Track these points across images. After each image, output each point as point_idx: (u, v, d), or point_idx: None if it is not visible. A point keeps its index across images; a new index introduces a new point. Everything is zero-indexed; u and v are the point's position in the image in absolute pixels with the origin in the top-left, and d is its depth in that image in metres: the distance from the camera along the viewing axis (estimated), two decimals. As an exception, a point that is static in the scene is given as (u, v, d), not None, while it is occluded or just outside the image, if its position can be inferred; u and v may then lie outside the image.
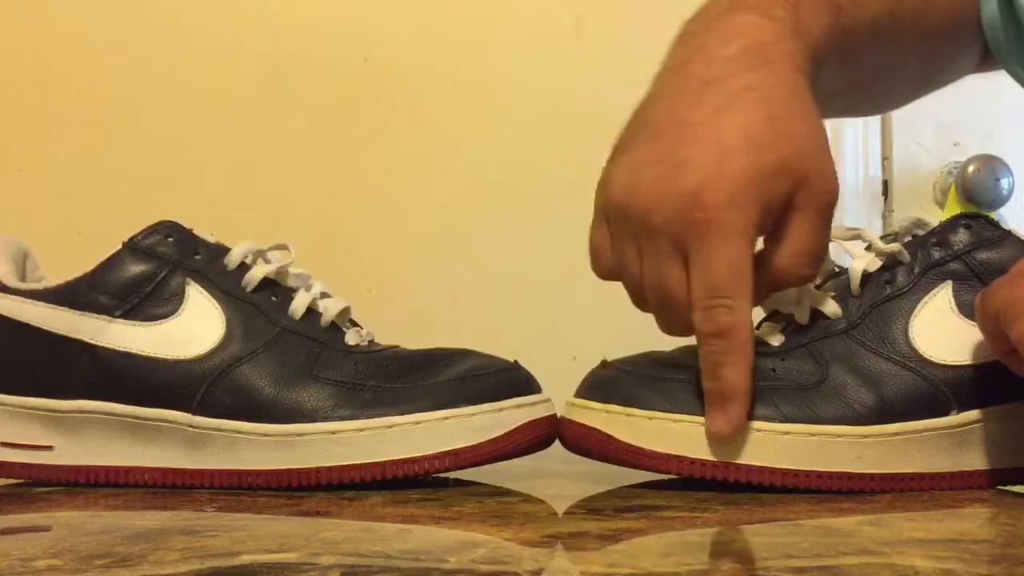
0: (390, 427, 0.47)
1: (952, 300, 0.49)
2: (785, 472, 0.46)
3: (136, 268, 0.51)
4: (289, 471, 0.48)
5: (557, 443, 0.50)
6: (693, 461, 0.46)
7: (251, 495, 0.47)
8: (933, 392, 0.47)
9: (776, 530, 0.38)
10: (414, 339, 0.54)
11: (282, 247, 0.54)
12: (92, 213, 0.97)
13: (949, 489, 0.47)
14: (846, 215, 1.07)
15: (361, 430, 0.47)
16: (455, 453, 0.47)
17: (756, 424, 0.46)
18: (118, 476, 0.50)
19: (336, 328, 0.52)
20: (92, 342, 0.50)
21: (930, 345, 0.48)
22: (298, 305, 0.51)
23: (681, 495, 0.46)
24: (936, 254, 0.50)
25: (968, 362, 0.47)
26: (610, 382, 0.49)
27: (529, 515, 0.41)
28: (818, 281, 0.53)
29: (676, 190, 0.44)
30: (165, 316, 0.50)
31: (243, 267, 0.52)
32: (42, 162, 1.01)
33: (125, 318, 0.50)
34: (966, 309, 0.48)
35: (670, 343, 0.52)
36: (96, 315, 0.50)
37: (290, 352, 0.50)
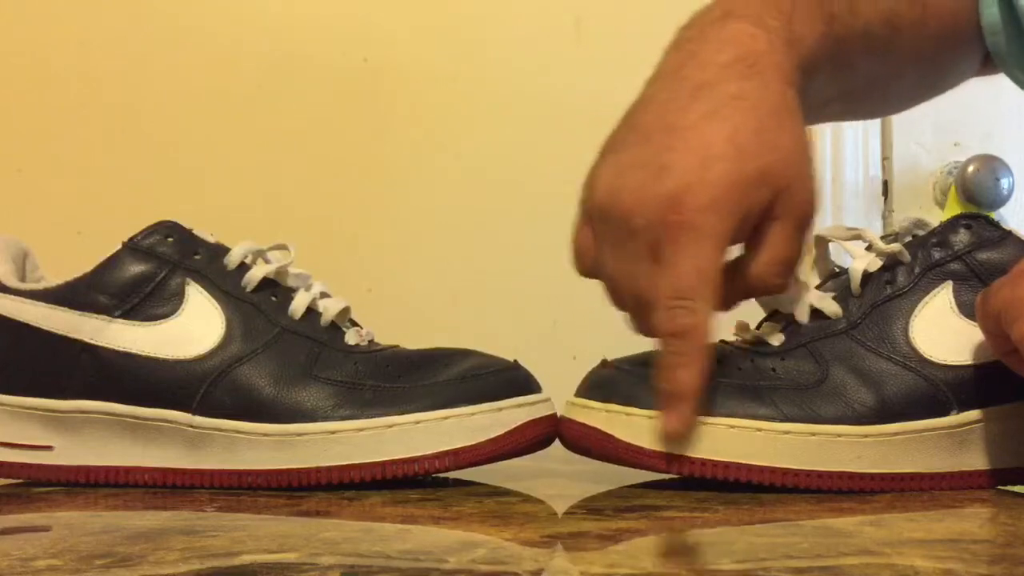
0: (390, 427, 0.47)
1: (952, 300, 0.49)
2: (785, 472, 0.46)
3: (136, 268, 0.51)
4: (289, 471, 0.48)
5: (557, 443, 0.50)
6: (693, 461, 0.46)
7: (251, 495, 0.47)
8: (933, 392, 0.47)
9: (776, 530, 0.38)
10: (414, 339, 0.54)
11: (282, 247, 0.54)
12: (92, 213, 0.97)
13: (949, 489, 0.47)
14: (846, 215, 1.07)
15: (361, 430, 0.47)
16: (455, 453, 0.47)
17: (756, 424, 0.46)
18: (118, 476, 0.50)
19: (336, 328, 0.52)
20: (92, 342, 0.50)
21: (930, 345, 0.48)
22: (298, 305, 0.51)
23: (681, 495, 0.46)
24: (936, 254, 0.50)
25: (968, 362, 0.47)
26: (610, 382, 0.49)
27: (529, 515, 0.41)
28: (818, 281, 0.53)
29: (658, 192, 0.45)
30: (165, 316, 0.50)
31: (243, 267, 0.52)
32: (42, 162, 1.01)
33: (125, 318, 0.50)
34: (966, 309, 0.48)
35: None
36: (96, 315, 0.50)
37: (290, 352, 0.50)
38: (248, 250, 0.52)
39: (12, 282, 0.52)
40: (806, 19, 0.50)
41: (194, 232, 0.53)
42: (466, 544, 0.35)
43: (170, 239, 0.52)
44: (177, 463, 0.50)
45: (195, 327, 0.50)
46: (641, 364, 0.49)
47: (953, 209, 1.03)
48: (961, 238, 0.50)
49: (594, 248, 0.49)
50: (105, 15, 1.01)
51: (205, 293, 0.51)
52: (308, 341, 0.50)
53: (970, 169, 1.05)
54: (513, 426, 0.48)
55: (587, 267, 0.50)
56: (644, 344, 0.51)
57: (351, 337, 0.52)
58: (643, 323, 0.48)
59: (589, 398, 0.49)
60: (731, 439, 0.46)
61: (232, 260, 0.52)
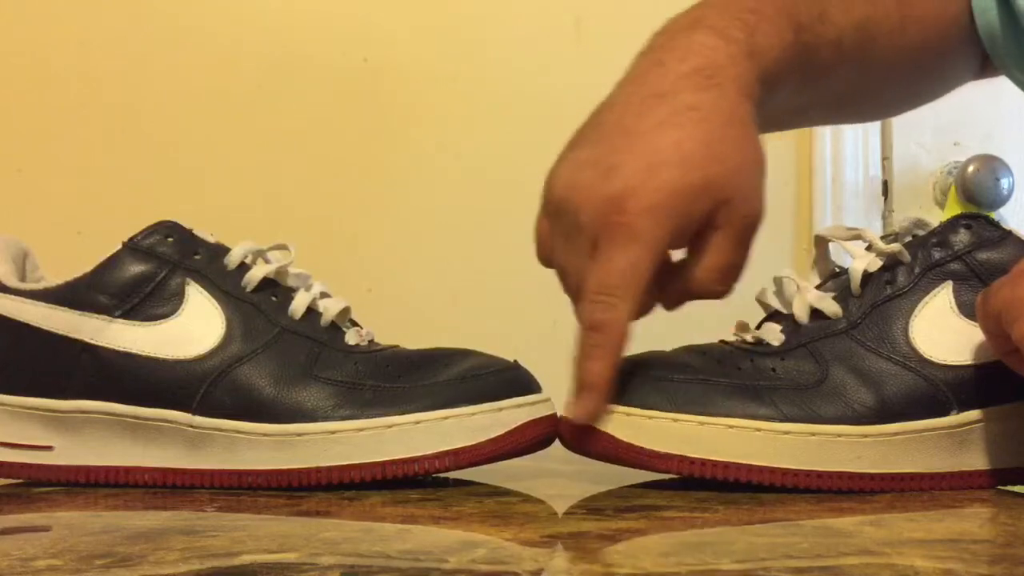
0: (390, 427, 0.47)
1: (952, 300, 0.49)
2: (785, 472, 0.46)
3: (136, 268, 0.51)
4: (289, 471, 0.48)
5: (557, 443, 0.50)
6: (693, 461, 0.46)
7: (251, 495, 0.47)
8: (933, 392, 0.47)
9: (776, 530, 0.38)
10: (414, 339, 0.54)
11: (282, 247, 0.54)
12: (92, 213, 0.97)
13: (949, 489, 0.47)
14: (846, 215, 1.08)
15: (361, 430, 0.47)
16: (455, 453, 0.47)
17: (756, 424, 0.46)
18: (118, 476, 0.50)
19: (336, 328, 0.52)
20: (92, 342, 0.50)
21: (930, 345, 0.48)
22: (298, 305, 0.51)
23: (681, 495, 0.46)
24: (936, 254, 0.50)
25: (968, 362, 0.47)
26: (610, 382, 0.49)
27: (529, 515, 0.41)
28: (818, 281, 0.53)
29: (604, 192, 0.47)
30: (165, 316, 0.50)
31: (243, 267, 0.52)
32: (42, 162, 1.01)
33: (125, 318, 0.50)
34: (966, 309, 0.48)
35: (670, 343, 0.52)
36: (96, 315, 0.50)
37: (290, 352, 0.50)
38: (248, 250, 0.52)
39: (12, 282, 0.52)
40: (771, 30, 0.51)
41: (194, 232, 0.53)
42: (466, 544, 0.35)
43: (170, 239, 0.52)
44: (177, 463, 0.49)
45: (195, 327, 0.50)
46: (641, 364, 0.49)
47: (953, 209, 1.03)
48: (961, 238, 0.50)
49: (550, 238, 0.51)
50: (105, 15, 1.01)
51: (205, 293, 0.51)
52: (308, 341, 0.50)
53: (970, 169, 1.05)
54: (513, 426, 0.48)
55: (543, 257, 0.52)
56: (644, 344, 0.51)
57: (351, 337, 0.52)
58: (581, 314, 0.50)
59: (589, 398, 0.49)
60: (731, 439, 0.46)
61: (232, 260, 0.52)
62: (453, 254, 1.02)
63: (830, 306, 0.50)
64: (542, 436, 0.49)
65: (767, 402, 0.47)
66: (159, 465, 0.50)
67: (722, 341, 0.51)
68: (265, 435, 0.48)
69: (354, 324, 0.54)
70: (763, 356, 0.49)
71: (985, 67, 0.62)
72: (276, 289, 0.52)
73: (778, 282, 0.52)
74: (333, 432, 0.47)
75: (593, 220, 0.47)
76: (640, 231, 0.46)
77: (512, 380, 0.50)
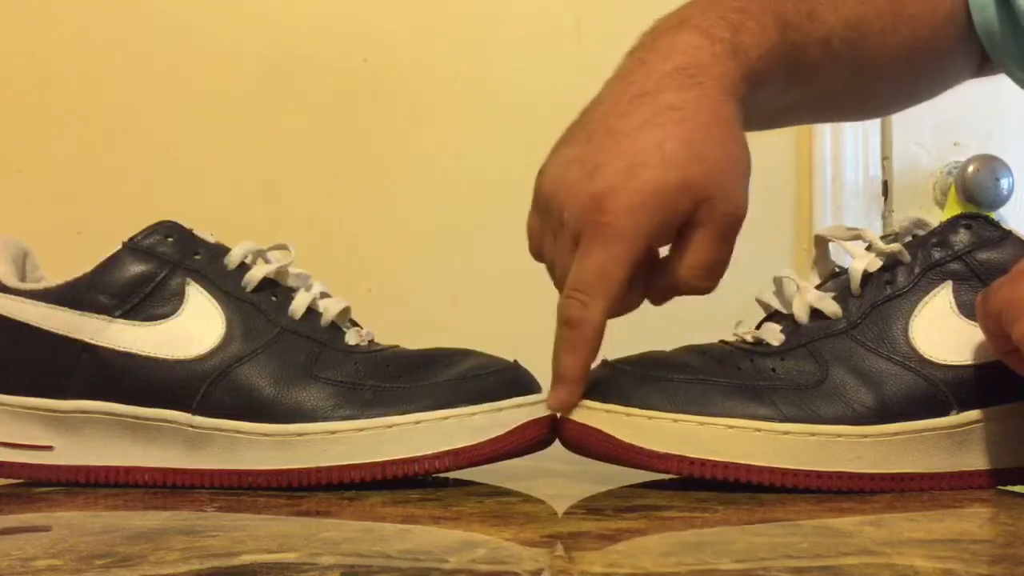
0: (390, 427, 0.47)
1: (952, 300, 0.49)
2: (785, 472, 0.46)
3: (136, 268, 0.51)
4: (289, 471, 0.48)
5: (557, 443, 0.50)
6: (693, 461, 0.46)
7: (251, 495, 0.47)
8: (933, 392, 0.47)
9: (776, 530, 0.38)
10: (414, 339, 0.54)
11: (282, 247, 0.54)
12: (92, 213, 0.97)
13: (949, 489, 0.47)
14: (846, 215, 1.07)
15: (361, 430, 0.47)
16: (455, 453, 0.47)
17: (756, 424, 0.46)
18: (118, 476, 0.50)
19: (336, 328, 0.52)
20: (92, 342, 0.50)
21: (930, 345, 0.48)
22: (298, 305, 0.51)
23: (681, 495, 0.46)
24: (936, 254, 0.50)
25: (968, 362, 0.47)
26: (610, 382, 0.49)
27: (529, 515, 0.41)
28: (818, 281, 0.53)
29: (587, 190, 0.47)
30: (165, 316, 0.50)
31: (243, 267, 0.52)
32: (42, 162, 1.01)
33: (125, 318, 0.50)
34: (966, 309, 0.48)
35: (670, 343, 0.52)
36: (96, 315, 0.50)
37: (290, 352, 0.50)
38: (248, 250, 0.52)
39: (12, 282, 0.52)
40: (757, 28, 0.51)
41: (194, 232, 0.53)
42: (466, 544, 0.35)
43: (170, 239, 0.52)
44: (177, 463, 0.49)
45: (195, 327, 0.50)
46: (641, 364, 0.49)
47: (953, 209, 1.03)
48: (961, 238, 0.50)
49: (540, 233, 0.52)
50: (105, 15, 1.01)
51: (205, 293, 0.51)
52: (308, 341, 0.50)
53: (970, 169, 1.05)
54: (513, 426, 0.48)
55: (536, 250, 0.53)
56: (644, 344, 0.51)
57: (351, 337, 0.52)
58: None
59: (589, 398, 0.49)
60: (731, 439, 0.46)
61: (232, 260, 0.52)
62: (453, 254, 1.02)
63: (830, 306, 0.50)
64: (542, 436, 0.49)
65: (767, 402, 0.47)
66: (159, 465, 0.50)
67: (722, 341, 0.51)
68: (265, 435, 0.48)
69: (354, 324, 0.54)
70: (763, 356, 0.49)
71: (984, 64, 0.62)
72: (276, 289, 0.52)
73: (778, 282, 0.52)
74: (333, 432, 0.47)
75: (576, 218, 0.48)
76: (619, 231, 0.46)
77: (512, 380, 0.50)
